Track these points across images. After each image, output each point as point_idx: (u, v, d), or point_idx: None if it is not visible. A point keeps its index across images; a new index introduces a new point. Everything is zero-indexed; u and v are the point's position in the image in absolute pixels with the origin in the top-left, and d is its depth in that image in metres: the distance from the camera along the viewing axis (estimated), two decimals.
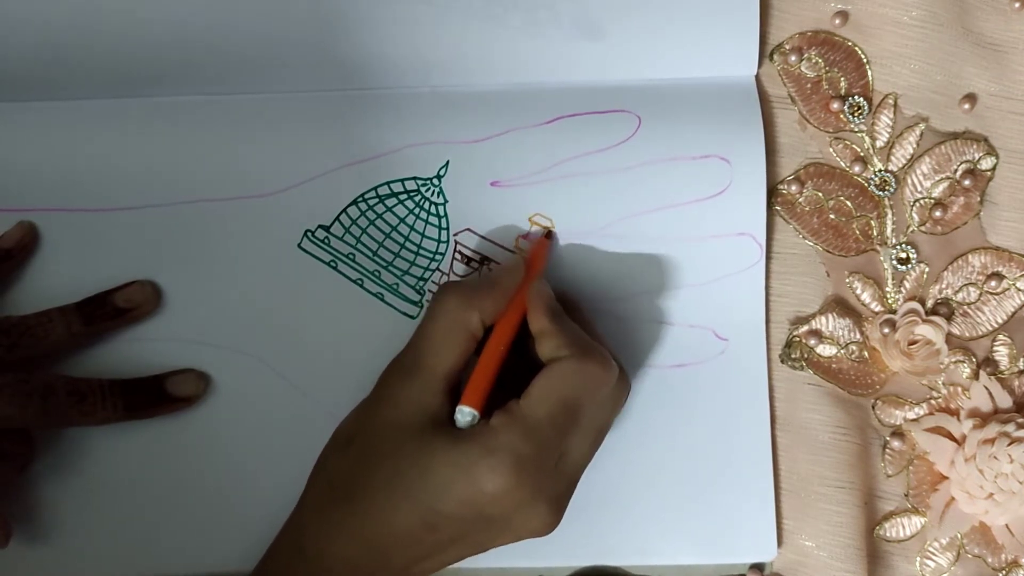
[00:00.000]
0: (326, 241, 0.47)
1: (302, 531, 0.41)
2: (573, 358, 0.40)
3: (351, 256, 0.47)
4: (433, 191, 0.47)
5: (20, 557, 0.46)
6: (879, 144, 0.49)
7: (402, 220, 0.47)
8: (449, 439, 0.39)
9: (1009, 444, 0.47)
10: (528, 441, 0.38)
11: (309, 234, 0.47)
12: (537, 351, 0.41)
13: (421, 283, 0.48)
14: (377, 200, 0.47)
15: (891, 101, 0.49)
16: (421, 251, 0.48)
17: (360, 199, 0.47)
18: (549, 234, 0.47)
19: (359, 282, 0.48)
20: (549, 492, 0.40)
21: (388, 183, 0.47)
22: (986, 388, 0.48)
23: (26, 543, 0.47)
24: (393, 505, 0.39)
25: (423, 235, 0.47)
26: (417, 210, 0.47)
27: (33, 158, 0.47)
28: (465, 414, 0.40)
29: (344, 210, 0.47)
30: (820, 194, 0.49)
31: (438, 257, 0.48)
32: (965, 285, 0.49)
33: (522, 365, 0.42)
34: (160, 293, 0.47)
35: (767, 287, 0.48)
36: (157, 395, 0.46)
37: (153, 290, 0.47)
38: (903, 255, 0.49)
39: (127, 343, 0.47)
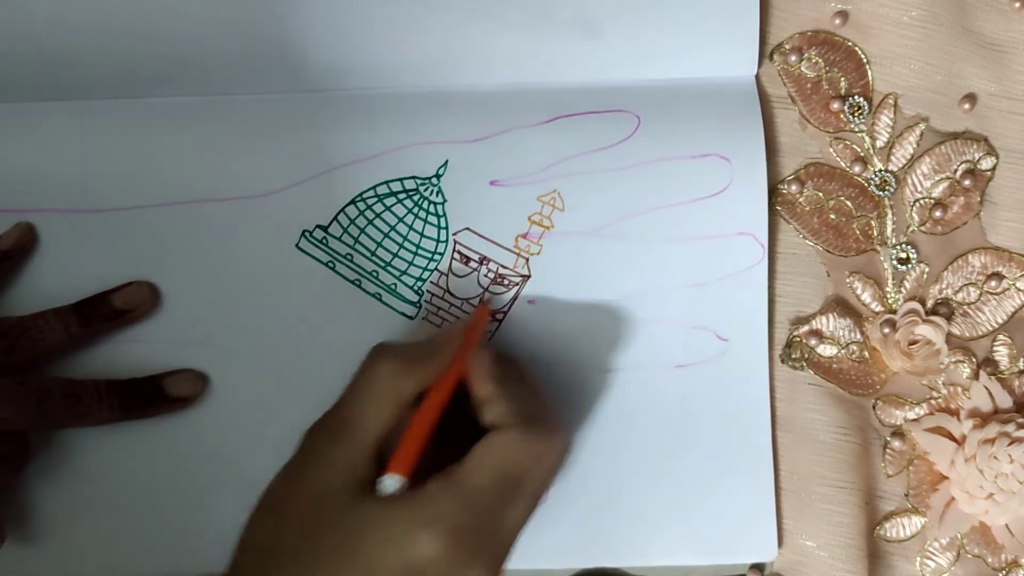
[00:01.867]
0: (324, 241, 0.47)
1: None
2: (518, 428, 0.39)
3: (349, 256, 0.47)
4: (432, 190, 0.47)
5: (16, 558, 0.46)
6: (879, 144, 0.49)
7: (401, 220, 0.47)
8: (381, 506, 0.38)
9: (1009, 444, 0.47)
10: (467, 510, 0.38)
11: (307, 234, 0.47)
12: (480, 417, 0.41)
13: (419, 283, 0.47)
14: (376, 199, 0.47)
15: (891, 101, 0.49)
16: (420, 251, 0.47)
17: (359, 198, 0.47)
18: (485, 301, 0.46)
19: (357, 282, 0.47)
20: (486, 558, 0.39)
21: (387, 182, 0.47)
22: (986, 388, 0.48)
23: (22, 544, 0.46)
24: (326, 574, 0.38)
25: (422, 235, 0.47)
26: (416, 209, 0.47)
27: (30, 159, 0.47)
28: (389, 484, 0.38)
29: (342, 210, 0.47)
30: (820, 194, 0.49)
31: (437, 257, 0.47)
32: (965, 285, 0.49)
33: (457, 424, 0.41)
34: (158, 294, 0.47)
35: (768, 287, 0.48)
36: (154, 395, 0.46)
37: (151, 291, 0.47)
38: (903, 255, 0.49)
39: (125, 344, 0.47)
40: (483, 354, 0.42)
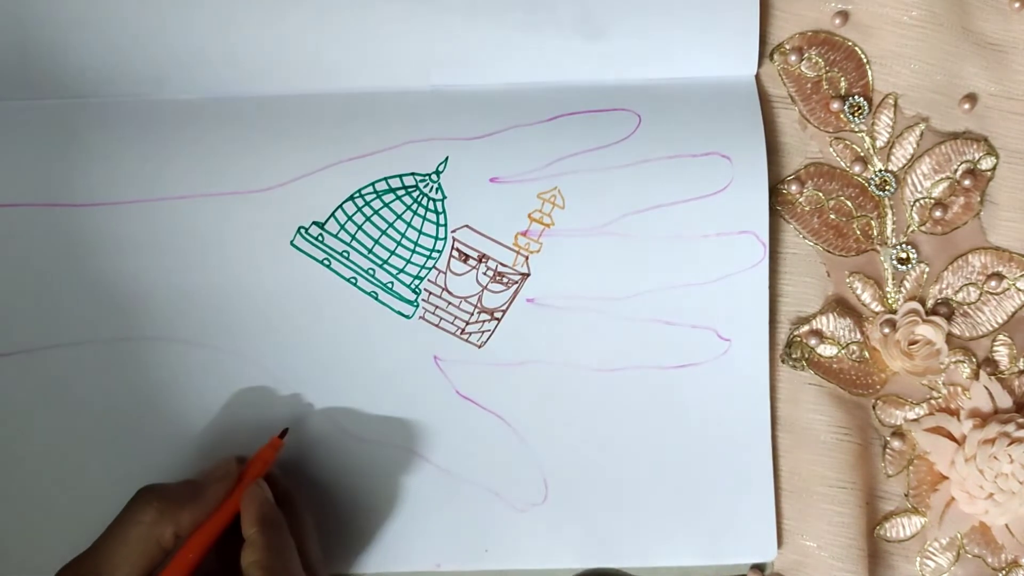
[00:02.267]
0: (320, 238, 0.47)
1: None
2: None
3: (345, 254, 0.47)
4: (432, 187, 0.47)
5: None
6: (879, 144, 0.49)
7: (399, 216, 0.47)
8: None
9: (1009, 444, 0.47)
10: None
11: (303, 230, 0.47)
12: (242, 555, 0.40)
13: (417, 281, 0.47)
14: (374, 196, 0.47)
15: (891, 101, 0.49)
16: (418, 248, 0.47)
17: (357, 194, 0.47)
18: (284, 433, 0.45)
19: (352, 280, 0.47)
20: None
21: (386, 179, 0.47)
22: (986, 388, 0.48)
23: None
24: None
25: (420, 231, 0.47)
26: (415, 206, 0.47)
27: (27, 155, 0.46)
28: None
29: (340, 206, 0.47)
30: (820, 194, 0.49)
31: (435, 254, 0.47)
32: (965, 285, 0.49)
33: (229, 554, 0.41)
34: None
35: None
36: None
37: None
38: (903, 255, 0.49)
39: (114, 341, 0.46)
40: (256, 492, 0.41)
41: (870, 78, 0.49)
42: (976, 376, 0.49)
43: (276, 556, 0.40)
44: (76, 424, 0.46)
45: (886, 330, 0.48)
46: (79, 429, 0.46)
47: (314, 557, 0.42)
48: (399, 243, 0.47)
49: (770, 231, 0.47)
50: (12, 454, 0.46)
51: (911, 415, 0.49)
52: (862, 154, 0.49)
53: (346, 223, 0.47)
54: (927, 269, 0.49)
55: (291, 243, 0.47)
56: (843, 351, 0.49)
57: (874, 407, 0.49)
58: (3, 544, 0.46)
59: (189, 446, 0.47)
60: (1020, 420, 0.47)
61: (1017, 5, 0.49)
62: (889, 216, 0.49)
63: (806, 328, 0.49)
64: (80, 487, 0.46)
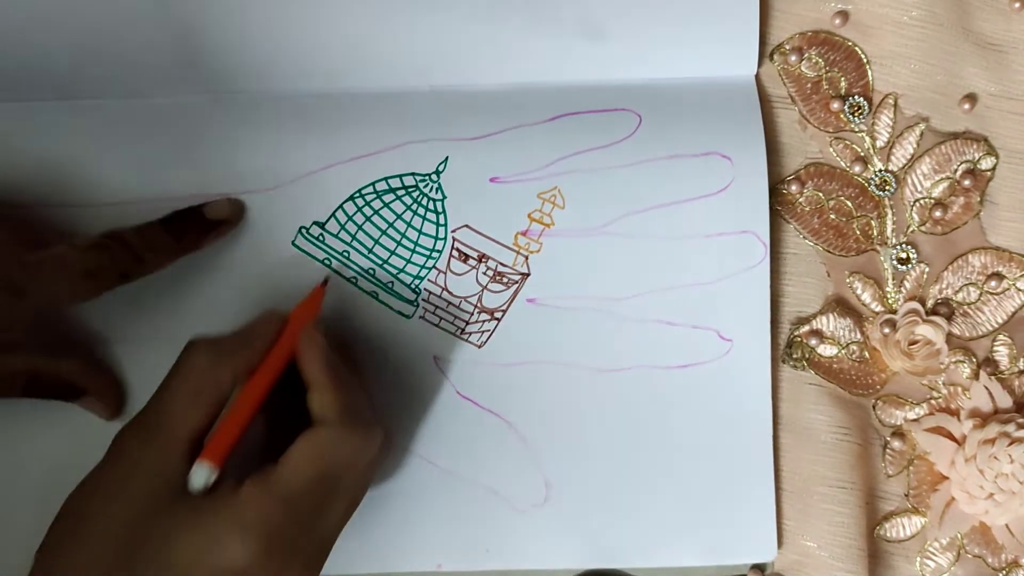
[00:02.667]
0: (320, 238, 0.47)
1: None
2: (338, 425, 0.38)
3: (345, 254, 0.47)
4: (432, 187, 0.47)
5: None
6: (879, 144, 0.49)
7: (399, 216, 0.47)
8: (194, 510, 0.36)
9: (1009, 444, 0.47)
10: (282, 514, 0.37)
11: (303, 230, 0.47)
12: (308, 402, 0.39)
13: (417, 281, 0.47)
14: (374, 196, 0.47)
15: (891, 101, 0.49)
16: (418, 248, 0.47)
17: (357, 194, 0.47)
18: (326, 281, 0.45)
19: (353, 280, 0.47)
20: (302, 559, 0.38)
21: (386, 178, 0.47)
22: (986, 388, 0.48)
23: None
24: None
25: (420, 232, 0.47)
26: (415, 206, 0.47)
27: (29, 155, 0.46)
28: (199, 475, 0.37)
29: (340, 206, 0.47)
30: (820, 194, 0.49)
31: (435, 254, 0.47)
32: (965, 285, 0.49)
33: (287, 414, 0.40)
34: (243, 207, 0.46)
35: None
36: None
37: (239, 206, 0.46)
38: (903, 255, 0.49)
39: (116, 344, 0.46)
40: (314, 335, 0.41)
41: (870, 78, 0.49)
42: (976, 376, 0.49)
43: (348, 394, 0.39)
44: (72, 423, 0.46)
45: (886, 330, 0.48)
46: (76, 428, 0.46)
47: (375, 400, 0.42)
48: (399, 243, 0.47)
49: (770, 231, 0.47)
50: (13, 450, 0.46)
51: (911, 415, 0.49)
52: (862, 154, 0.49)
53: (346, 223, 0.47)
54: (927, 269, 0.49)
55: (292, 243, 0.47)
56: (843, 351, 0.49)
57: (874, 407, 0.49)
58: (5, 542, 0.46)
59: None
60: (1020, 420, 0.47)
61: (1017, 5, 0.49)
62: (889, 216, 0.49)
63: (806, 328, 0.49)
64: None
